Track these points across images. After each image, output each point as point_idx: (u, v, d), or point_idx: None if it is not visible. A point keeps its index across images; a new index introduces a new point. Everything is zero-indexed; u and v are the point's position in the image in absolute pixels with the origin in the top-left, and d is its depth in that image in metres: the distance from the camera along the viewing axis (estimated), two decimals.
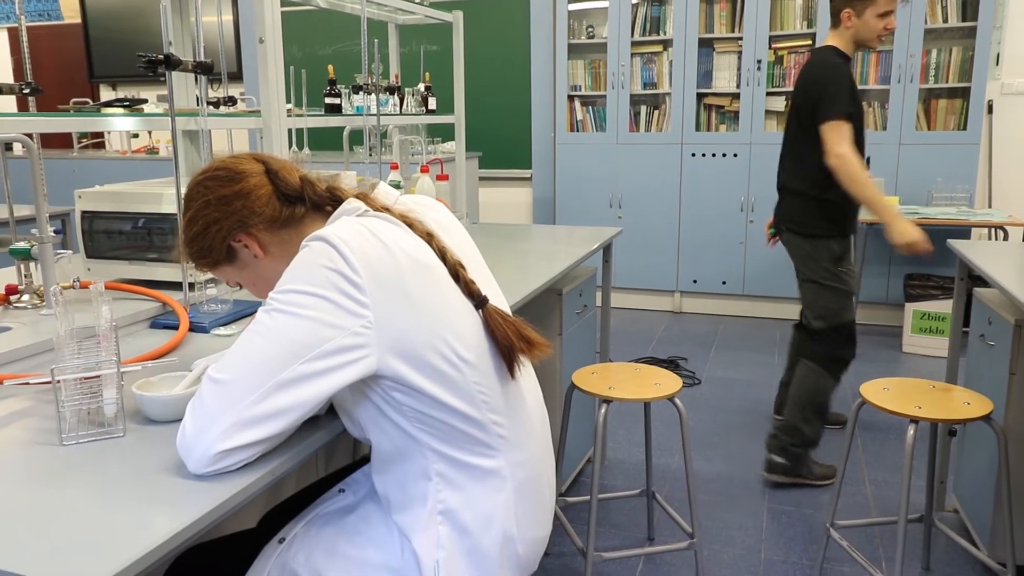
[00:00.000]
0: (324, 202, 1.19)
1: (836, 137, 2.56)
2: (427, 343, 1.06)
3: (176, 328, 1.59)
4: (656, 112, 5.18)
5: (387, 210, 1.16)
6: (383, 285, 1.03)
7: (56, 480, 0.97)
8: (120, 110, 1.59)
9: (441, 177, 2.84)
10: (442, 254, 1.13)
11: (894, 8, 2.63)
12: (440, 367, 1.07)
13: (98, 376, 1.11)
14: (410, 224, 1.13)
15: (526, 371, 1.23)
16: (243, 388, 0.98)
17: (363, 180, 2.45)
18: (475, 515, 1.12)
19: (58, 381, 1.08)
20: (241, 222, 1.16)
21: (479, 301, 1.14)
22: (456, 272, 1.13)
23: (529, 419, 1.21)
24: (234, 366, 1.00)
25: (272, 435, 1.00)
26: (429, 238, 1.13)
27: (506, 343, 1.13)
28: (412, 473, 1.12)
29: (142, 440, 1.09)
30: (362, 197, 1.18)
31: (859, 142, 2.66)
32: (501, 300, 1.26)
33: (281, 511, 1.36)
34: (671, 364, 4.10)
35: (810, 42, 4.73)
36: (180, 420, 1.12)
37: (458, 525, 1.12)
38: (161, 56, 1.48)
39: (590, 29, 5.30)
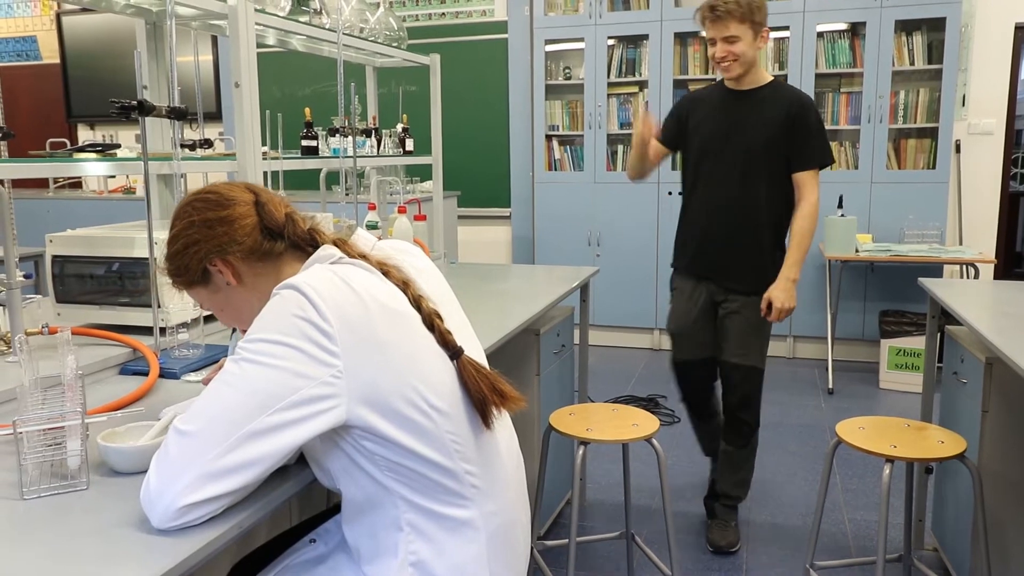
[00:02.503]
0: (304, 243, 1.19)
1: None
2: (398, 392, 1.05)
3: (146, 374, 1.57)
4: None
5: (364, 257, 1.15)
6: (354, 334, 1.02)
7: (16, 538, 0.95)
8: (92, 155, 1.58)
9: (419, 217, 2.85)
10: (417, 302, 1.12)
11: (713, 37, 2.45)
12: (411, 416, 1.06)
13: (62, 427, 1.09)
14: (386, 271, 1.13)
15: (501, 419, 1.22)
16: (209, 440, 0.96)
17: (339, 222, 2.45)
18: (447, 566, 1.10)
19: (20, 432, 1.06)
20: (220, 247, 1.16)
21: (454, 352, 1.13)
22: (431, 322, 1.12)
23: (503, 468, 1.20)
24: (200, 417, 0.98)
25: (239, 487, 0.98)
26: (405, 286, 1.13)
27: (479, 396, 1.12)
28: (383, 523, 1.10)
29: (106, 493, 1.06)
30: (340, 243, 1.18)
31: (706, 173, 2.58)
32: (477, 348, 1.26)
33: (251, 561, 1.33)
34: (650, 402, 4.10)
35: None
36: (146, 472, 1.10)
37: None
38: (135, 102, 1.48)
39: (567, 70, 5.39)
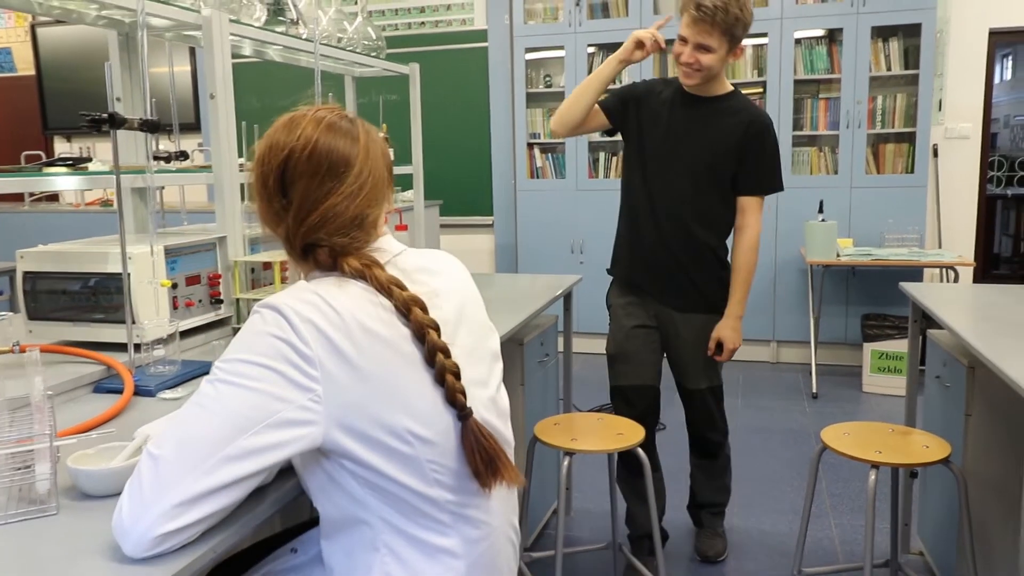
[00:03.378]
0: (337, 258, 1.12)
1: None
2: (377, 422, 1.02)
3: (121, 392, 1.53)
4: (615, 159, 5.25)
5: (372, 273, 1.07)
6: (333, 359, 0.99)
7: None
8: (64, 169, 1.55)
9: (400, 227, 2.82)
10: (431, 354, 1.06)
11: (686, 37, 2.21)
12: (390, 444, 1.03)
13: (31, 450, 1.06)
14: (408, 310, 1.06)
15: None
16: (184, 465, 0.93)
17: None
18: None
19: None
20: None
21: (461, 414, 1.07)
22: (442, 377, 1.05)
23: (489, 502, 1.14)
24: (175, 441, 0.95)
25: (215, 512, 0.95)
26: (421, 329, 1.06)
27: (473, 467, 1.08)
28: (359, 542, 1.08)
29: (77, 518, 1.03)
30: (368, 263, 1.09)
31: (652, 180, 2.36)
32: (492, 372, 1.21)
33: (231, 564, 1.30)
34: None
35: (761, 90, 4.85)
36: (117, 494, 1.07)
37: None
38: (106, 115, 1.45)
39: (547, 78, 5.39)
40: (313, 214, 1.07)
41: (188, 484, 0.92)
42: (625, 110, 2.40)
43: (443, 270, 1.22)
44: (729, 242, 2.40)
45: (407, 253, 1.18)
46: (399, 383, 1.04)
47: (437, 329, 1.07)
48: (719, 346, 2.38)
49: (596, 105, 2.38)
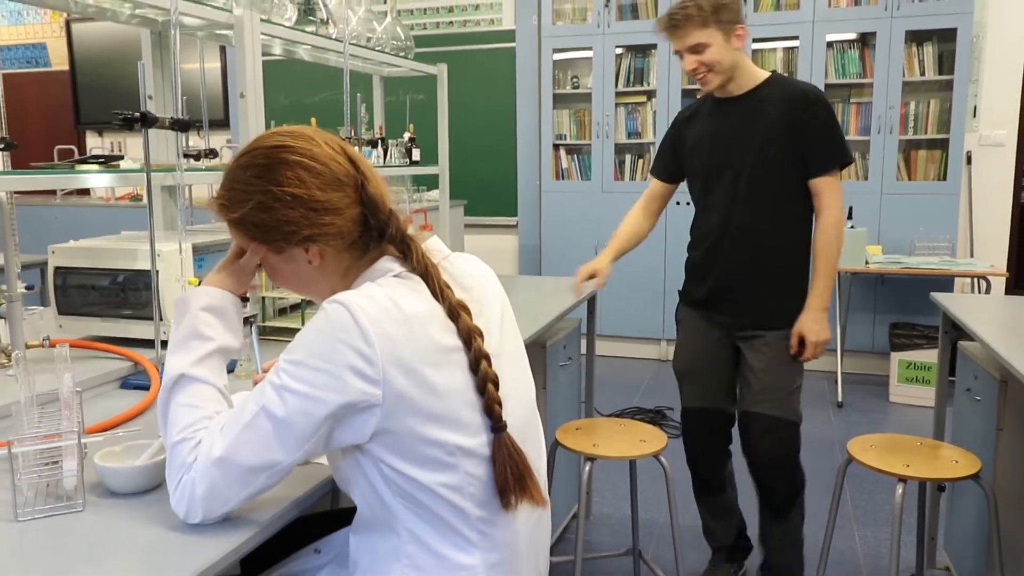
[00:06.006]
0: (394, 242, 1.09)
1: None
2: (427, 427, 1.02)
3: (147, 389, 1.55)
4: (640, 161, 5.22)
5: (428, 274, 1.07)
6: (396, 366, 0.99)
7: (10, 561, 0.92)
8: (95, 167, 1.57)
9: (425, 227, 2.83)
10: (476, 361, 1.05)
11: (678, 50, 2.11)
12: (433, 454, 1.03)
13: (59, 446, 1.07)
14: (456, 314, 1.06)
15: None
16: (257, 473, 1.01)
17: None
18: None
19: (15, 452, 1.04)
20: (320, 237, 1.06)
21: (496, 426, 1.07)
22: (484, 385, 1.05)
23: (518, 521, 1.12)
24: (248, 452, 1.00)
25: (268, 491, 1.04)
26: (460, 321, 1.06)
27: (501, 481, 1.07)
28: (384, 548, 1.08)
29: (103, 514, 1.04)
30: (422, 255, 1.09)
31: (703, 198, 2.26)
32: (526, 384, 1.21)
33: (251, 559, 1.30)
34: (657, 415, 4.06)
35: None
36: (143, 491, 1.09)
37: None
38: (138, 114, 1.46)
39: (575, 79, 5.37)
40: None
41: (256, 484, 1.01)
42: (675, 161, 2.33)
43: (484, 276, 1.21)
44: None
45: (452, 257, 1.18)
46: (452, 393, 1.03)
47: (482, 336, 1.07)
48: (801, 344, 2.13)
49: (656, 181, 2.40)
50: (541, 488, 1.12)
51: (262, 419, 0.99)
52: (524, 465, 1.08)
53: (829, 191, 2.11)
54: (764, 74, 2.16)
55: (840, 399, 4.27)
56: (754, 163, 2.12)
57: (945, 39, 4.54)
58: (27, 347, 1.55)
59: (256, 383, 1.21)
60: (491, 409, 1.06)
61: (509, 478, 1.06)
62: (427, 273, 1.08)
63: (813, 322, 2.12)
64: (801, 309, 2.14)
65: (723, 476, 2.36)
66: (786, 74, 4.86)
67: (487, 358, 1.06)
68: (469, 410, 1.05)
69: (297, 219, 1.05)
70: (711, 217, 2.22)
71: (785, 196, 2.14)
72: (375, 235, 1.10)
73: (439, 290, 1.07)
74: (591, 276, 2.33)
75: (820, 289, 2.13)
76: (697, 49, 2.06)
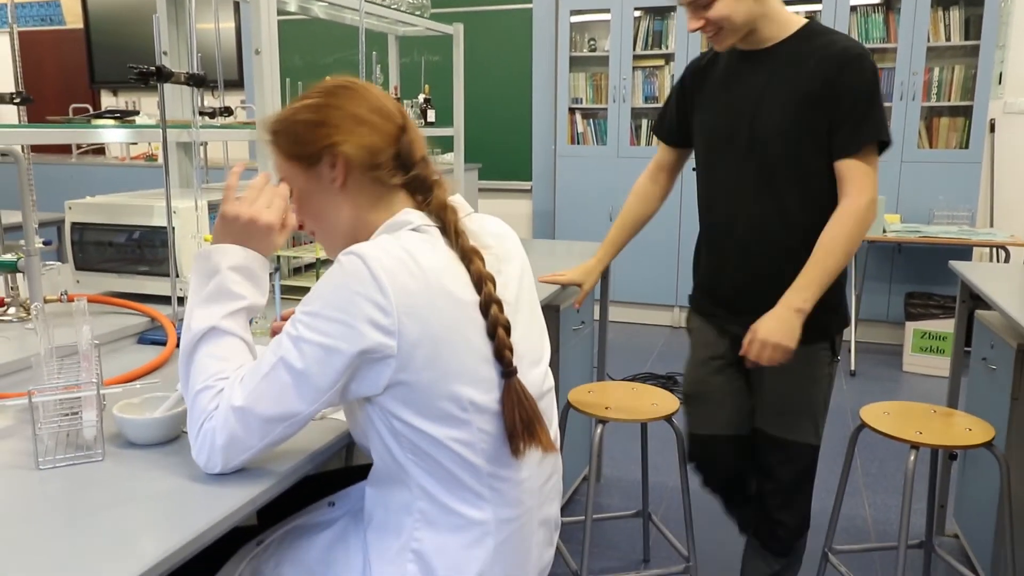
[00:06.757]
0: (422, 188, 1.13)
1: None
2: (437, 389, 1.03)
3: (164, 344, 1.56)
4: None
5: (455, 231, 1.09)
6: (412, 315, 1.00)
7: (31, 508, 0.94)
8: (111, 122, 1.56)
9: None
10: (487, 304, 1.06)
11: (683, 2, 1.68)
12: (447, 408, 1.04)
13: (78, 397, 1.08)
14: (467, 257, 1.07)
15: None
16: (275, 423, 1.02)
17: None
18: (447, 564, 1.07)
19: (35, 402, 1.05)
20: (351, 145, 1.09)
21: (506, 371, 1.07)
22: (494, 330, 1.06)
23: (531, 477, 1.14)
24: (267, 401, 1.01)
25: (287, 438, 1.06)
26: (480, 278, 1.07)
27: (510, 425, 1.07)
28: (395, 502, 1.09)
29: (121, 464, 1.06)
30: (448, 208, 1.12)
31: (713, 177, 1.86)
32: (541, 349, 1.21)
33: (266, 510, 1.32)
34: (669, 380, 4.07)
35: None
36: (161, 442, 1.10)
37: (427, 568, 1.07)
38: (153, 68, 1.45)
39: (592, 42, 5.29)
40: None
41: (278, 434, 1.03)
42: (681, 119, 1.91)
43: (505, 235, 1.22)
44: None
45: (474, 216, 1.19)
46: (467, 349, 1.04)
47: (494, 283, 1.08)
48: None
49: (664, 146, 2.02)
50: (548, 434, 1.12)
51: (280, 370, 1.00)
52: (533, 410, 1.09)
53: (859, 175, 1.64)
54: (799, 22, 1.72)
55: (853, 368, 4.26)
56: (776, 138, 1.70)
57: (972, 3, 4.44)
58: (45, 301, 1.56)
59: (275, 333, 1.23)
60: (501, 354, 1.06)
61: (518, 423, 1.07)
62: (444, 219, 1.09)
63: (776, 320, 1.65)
64: (833, 318, 1.78)
65: (745, 493, 1.99)
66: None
67: (499, 303, 1.07)
68: (483, 364, 1.06)
69: (336, 123, 1.10)
70: (719, 204, 1.83)
71: (814, 181, 1.70)
72: (402, 172, 1.12)
73: (454, 236, 1.08)
74: (574, 283, 2.05)
75: (803, 283, 1.65)
76: (699, 3, 1.64)
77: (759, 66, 1.73)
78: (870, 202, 1.64)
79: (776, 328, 1.64)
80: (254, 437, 1.01)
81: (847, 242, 1.64)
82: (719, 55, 1.82)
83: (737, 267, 1.81)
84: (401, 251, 1.02)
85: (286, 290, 2.01)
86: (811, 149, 1.68)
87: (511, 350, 1.07)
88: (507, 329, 1.07)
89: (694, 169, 1.94)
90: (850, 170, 1.65)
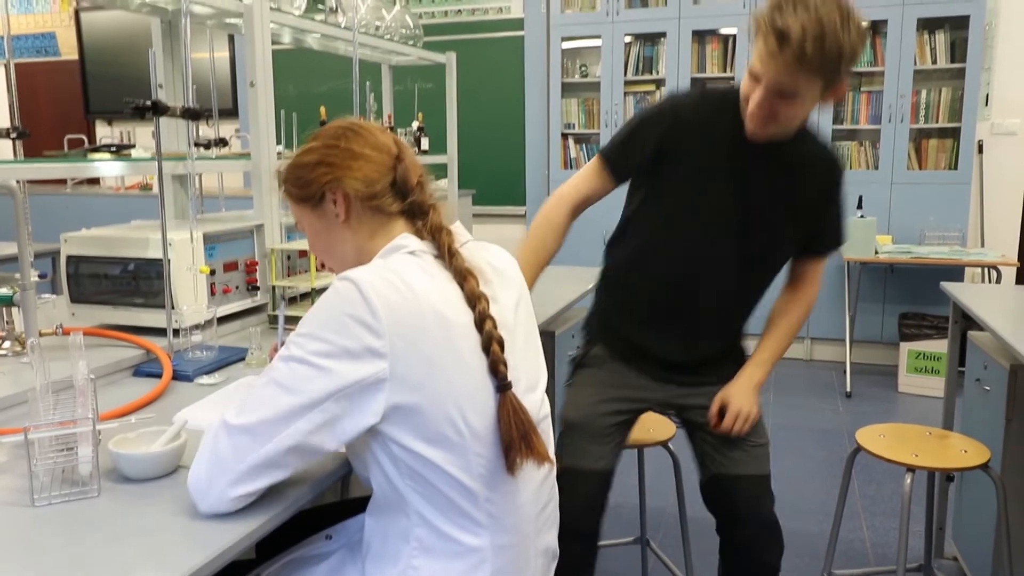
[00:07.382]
0: (420, 213, 1.18)
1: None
2: (431, 411, 1.03)
3: (159, 376, 1.56)
4: None
5: (451, 251, 1.12)
6: (404, 340, 1.01)
7: (27, 545, 0.94)
8: (107, 155, 1.58)
9: None
10: (481, 321, 1.08)
11: (758, 75, 1.53)
12: (444, 432, 1.04)
13: (74, 433, 1.08)
14: (463, 278, 1.10)
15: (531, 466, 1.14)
16: (260, 436, 1.00)
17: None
18: None
19: (31, 439, 1.05)
20: (349, 180, 1.15)
21: (501, 385, 1.08)
22: (489, 346, 1.08)
23: (527, 503, 1.14)
24: (252, 413, 1.01)
25: (284, 477, 1.04)
26: (475, 299, 1.09)
27: (507, 439, 1.08)
28: (394, 529, 1.09)
29: (117, 500, 1.05)
30: (445, 232, 1.15)
31: (693, 246, 1.72)
32: (537, 372, 1.22)
33: (263, 544, 1.31)
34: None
35: None
36: (157, 478, 1.10)
37: None
38: (149, 102, 1.47)
39: (583, 68, 5.35)
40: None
41: (263, 453, 1.00)
42: (645, 161, 1.75)
43: (504, 265, 1.25)
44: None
45: (475, 243, 1.22)
46: (460, 372, 1.05)
47: (488, 301, 1.09)
48: (721, 414, 1.75)
49: (607, 176, 1.90)
50: (544, 447, 1.12)
51: (270, 387, 1.02)
52: (529, 423, 1.09)
53: (819, 270, 1.82)
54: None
55: (848, 389, 4.26)
56: (768, 231, 1.70)
57: (957, 26, 4.51)
58: (40, 335, 1.56)
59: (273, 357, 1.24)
60: (496, 368, 1.07)
61: (514, 435, 1.07)
62: (439, 240, 1.12)
63: (748, 393, 1.73)
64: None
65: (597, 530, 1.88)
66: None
67: (493, 320, 1.08)
68: (478, 385, 1.06)
69: (333, 162, 1.16)
70: (682, 264, 1.73)
71: (778, 268, 1.80)
72: (400, 199, 1.17)
73: (448, 257, 1.10)
74: None
75: (767, 359, 1.76)
76: (786, 95, 1.51)
77: (768, 157, 1.65)
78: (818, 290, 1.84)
79: (752, 401, 1.75)
80: (240, 452, 1.00)
81: (800, 327, 1.83)
82: (717, 119, 1.67)
83: (703, 335, 1.77)
84: (391, 274, 1.04)
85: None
86: (790, 246, 1.77)
87: (505, 365, 1.08)
88: (501, 344, 1.08)
89: (636, 209, 1.87)
90: (814, 265, 1.82)
